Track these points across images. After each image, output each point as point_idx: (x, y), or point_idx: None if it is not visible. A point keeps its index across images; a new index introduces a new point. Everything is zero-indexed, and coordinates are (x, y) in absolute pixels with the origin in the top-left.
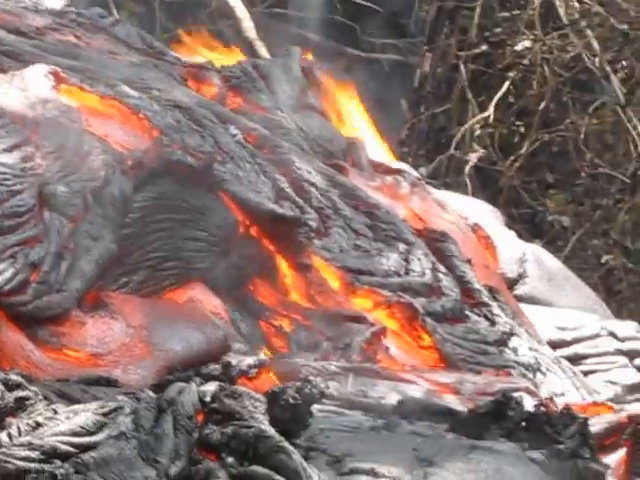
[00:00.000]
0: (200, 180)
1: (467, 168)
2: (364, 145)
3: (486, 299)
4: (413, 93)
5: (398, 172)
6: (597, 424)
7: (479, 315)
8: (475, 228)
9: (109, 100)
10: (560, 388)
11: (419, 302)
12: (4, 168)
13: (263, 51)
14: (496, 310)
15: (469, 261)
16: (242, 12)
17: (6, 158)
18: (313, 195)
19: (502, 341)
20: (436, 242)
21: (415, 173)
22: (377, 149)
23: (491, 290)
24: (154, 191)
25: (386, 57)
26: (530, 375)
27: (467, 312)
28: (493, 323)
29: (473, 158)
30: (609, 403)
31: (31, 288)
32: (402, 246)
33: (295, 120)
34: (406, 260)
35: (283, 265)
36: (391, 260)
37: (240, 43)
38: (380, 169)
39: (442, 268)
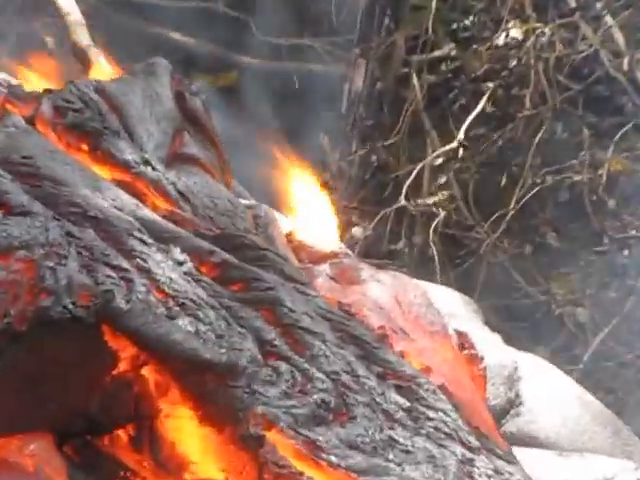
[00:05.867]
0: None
1: (432, 229)
2: (274, 216)
3: None
4: (340, 120)
5: (335, 256)
6: None
7: None
8: (461, 339)
9: None
10: None
11: None
12: None
13: (104, 64)
14: None
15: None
16: (69, 4)
17: None
18: (321, 352)
19: None
20: (491, 453)
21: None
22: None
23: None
24: (9, 357)
25: (295, 66)
26: None
27: None
28: None
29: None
30: None
31: None
32: (460, 450)
33: (173, 180)
34: (470, 477)
35: (188, 428)
36: (450, 476)
37: (66, 51)
38: (305, 253)
39: None
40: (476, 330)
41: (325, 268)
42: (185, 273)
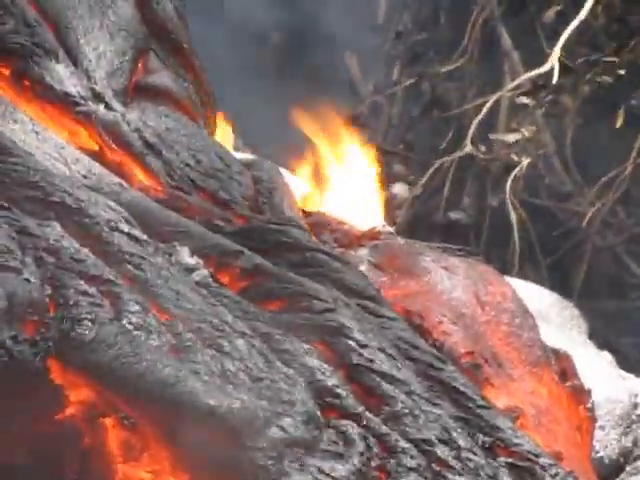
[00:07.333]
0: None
1: (507, 187)
2: (282, 177)
3: None
4: (374, 34)
5: (376, 235)
6: None
7: None
8: (562, 363)
9: None
10: None
11: None
12: None
13: None
14: None
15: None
16: None
17: None
18: (406, 410)
19: None
20: None
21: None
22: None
23: None
24: None
25: None
26: None
27: None
28: None
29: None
30: None
31: None
32: None
33: (137, 125)
34: None
35: None
36: None
37: None
38: (332, 231)
39: None
40: (576, 346)
41: (365, 253)
42: (198, 284)
